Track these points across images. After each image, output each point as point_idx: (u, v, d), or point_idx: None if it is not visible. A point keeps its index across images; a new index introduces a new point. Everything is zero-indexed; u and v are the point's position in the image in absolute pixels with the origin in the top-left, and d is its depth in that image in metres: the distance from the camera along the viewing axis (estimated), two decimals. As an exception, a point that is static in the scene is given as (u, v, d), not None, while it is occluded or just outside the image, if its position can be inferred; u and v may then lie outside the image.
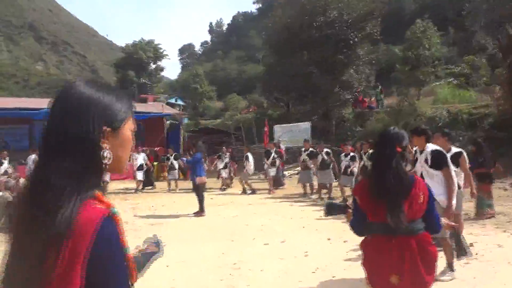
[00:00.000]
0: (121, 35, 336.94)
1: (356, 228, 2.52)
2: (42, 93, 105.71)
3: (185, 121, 34.79)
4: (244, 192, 13.10)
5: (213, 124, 30.24)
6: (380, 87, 22.52)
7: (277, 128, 19.29)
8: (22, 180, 8.92)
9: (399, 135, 2.46)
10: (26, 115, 18.75)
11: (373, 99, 23.29)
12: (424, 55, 20.37)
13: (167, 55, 42.43)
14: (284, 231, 7.34)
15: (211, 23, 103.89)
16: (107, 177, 13.45)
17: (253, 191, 12.99)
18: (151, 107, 24.89)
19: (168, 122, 25.93)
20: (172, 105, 40.11)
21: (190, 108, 38.69)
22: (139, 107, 24.46)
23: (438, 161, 4.51)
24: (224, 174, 14.16)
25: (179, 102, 43.28)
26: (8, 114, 19.03)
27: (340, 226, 6.51)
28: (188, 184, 15.05)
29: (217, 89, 46.09)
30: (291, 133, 18.25)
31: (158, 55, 41.28)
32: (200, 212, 9.20)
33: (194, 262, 5.60)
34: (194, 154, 10.02)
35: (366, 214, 2.42)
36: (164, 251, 1.52)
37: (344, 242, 6.08)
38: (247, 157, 13.19)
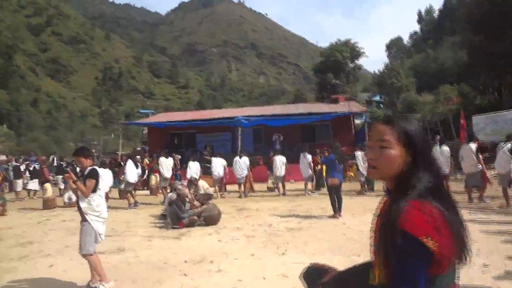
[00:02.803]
0: (330, 40, 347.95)
1: None
2: (264, 102, 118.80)
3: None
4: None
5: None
6: None
7: (477, 119, 15.96)
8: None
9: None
10: (226, 124, 21.02)
11: None
12: None
13: (364, 52, 41.06)
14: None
15: (419, 12, 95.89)
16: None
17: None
18: (341, 107, 24.45)
19: (358, 121, 25.05)
20: (371, 103, 38.76)
21: (388, 104, 36.49)
22: (329, 108, 24.49)
23: None
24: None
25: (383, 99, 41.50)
26: (213, 123, 21.72)
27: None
28: (352, 186, 14.20)
29: (428, 81, 41.97)
30: (495, 124, 14.77)
31: (355, 54, 40.50)
32: (333, 215, 8.80)
33: (295, 277, 4.94)
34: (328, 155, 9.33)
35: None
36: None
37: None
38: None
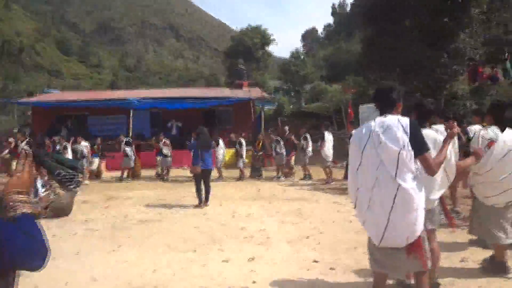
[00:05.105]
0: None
1: None
2: (182, 86, 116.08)
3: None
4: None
5: (312, 107, 28.37)
6: (506, 53, 17.80)
7: (363, 108, 16.45)
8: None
9: None
10: (118, 105, 19.48)
11: (497, 69, 18.59)
12: None
13: (274, 39, 41.25)
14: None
15: (333, 5, 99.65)
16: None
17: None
18: (243, 92, 24.19)
19: (266, 108, 25.00)
20: (279, 90, 39.18)
21: (292, 92, 37.23)
22: (231, 93, 24.09)
23: None
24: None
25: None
26: (105, 105, 20.09)
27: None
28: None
29: (339, 72, 43.63)
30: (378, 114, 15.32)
31: (265, 41, 40.50)
32: (198, 205, 8.36)
33: (107, 280, 4.33)
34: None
35: None
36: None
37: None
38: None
